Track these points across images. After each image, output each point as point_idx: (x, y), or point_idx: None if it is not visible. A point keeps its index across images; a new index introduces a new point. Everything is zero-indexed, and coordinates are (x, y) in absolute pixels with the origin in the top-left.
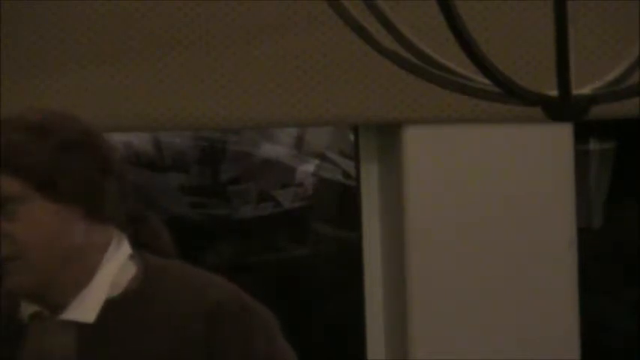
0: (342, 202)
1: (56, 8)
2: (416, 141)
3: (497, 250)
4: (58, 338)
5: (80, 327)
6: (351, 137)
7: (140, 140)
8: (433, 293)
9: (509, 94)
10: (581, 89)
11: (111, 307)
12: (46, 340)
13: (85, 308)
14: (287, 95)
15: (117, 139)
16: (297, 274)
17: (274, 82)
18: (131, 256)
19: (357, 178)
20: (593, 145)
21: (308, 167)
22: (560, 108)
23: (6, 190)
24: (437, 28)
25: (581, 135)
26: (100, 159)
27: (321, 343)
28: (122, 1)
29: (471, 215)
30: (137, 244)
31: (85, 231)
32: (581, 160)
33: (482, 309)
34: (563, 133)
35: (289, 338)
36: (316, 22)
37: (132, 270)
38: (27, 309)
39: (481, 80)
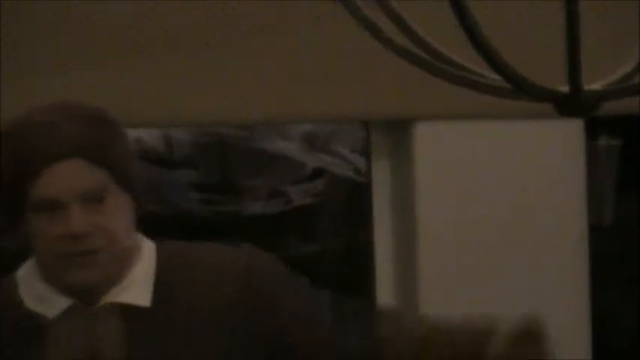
0: (352, 198)
1: (63, 4)
2: (427, 137)
3: (508, 246)
4: (106, 325)
5: (129, 311)
6: (362, 133)
7: (150, 136)
8: (444, 290)
9: (519, 90)
10: (592, 85)
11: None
12: (91, 329)
13: (138, 293)
14: (298, 91)
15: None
16: (307, 271)
17: (285, 78)
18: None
19: (368, 175)
20: (603, 142)
21: (319, 163)
22: (570, 104)
23: (95, 182)
24: (447, 25)
25: (591, 131)
26: (131, 147)
27: None
28: None
29: (481, 211)
30: None
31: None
32: (591, 156)
33: (493, 306)
34: (574, 130)
35: None
36: (327, 18)
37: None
38: (56, 303)
39: (492, 76)
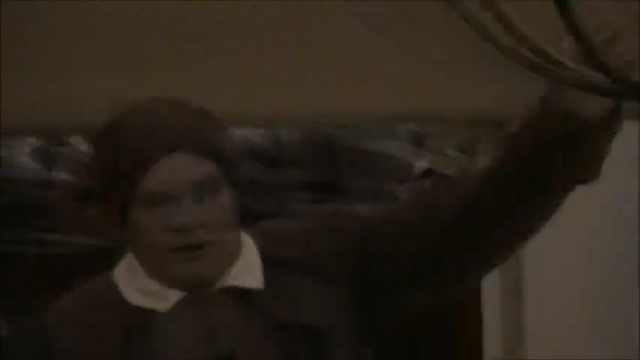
0: None
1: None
2: None
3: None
4: (222, 311)
5: (243, 295)
6: (468, 133)
7: (259, 136)
8: (548, 297)
9: (623, 90)
10: None
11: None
12: (208, 316)
13: (249, 277)
14: (405, 91)
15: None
16: None
17: (393, 78)
18: None
19: None
20: None
21: (425, 163)
22: None
23: (205, 174)
24: (552, 24)
25: None
26: (234, 140)
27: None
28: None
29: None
30: None
31: None
32: None
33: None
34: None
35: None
36: (437, 18)
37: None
38: (167, 296)
39: (597, 76)
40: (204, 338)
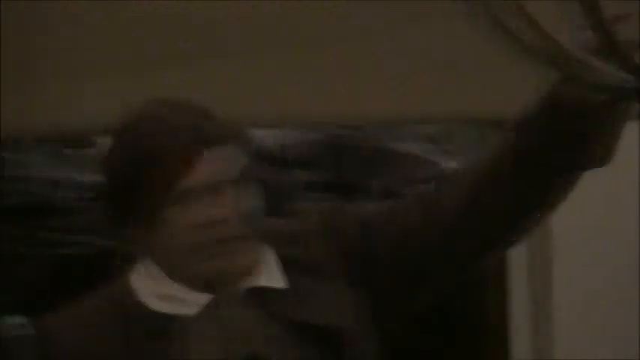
0: None
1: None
2: None
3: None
4: (249, 311)
5: (267, 295)
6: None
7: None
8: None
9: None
10: None
11: None
12: (237, 317)
13: (271, 276)
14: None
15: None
16: None
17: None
18: None
19: None
20: None
21: (448, 163)
22: None
23: (241, 167)
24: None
25: None
26: None
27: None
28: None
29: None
30: None
31: None
32: None
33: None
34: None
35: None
36: (453, 15)
37: None
38: (193, 300)
39: (620, 74)
40: (227, 339)
